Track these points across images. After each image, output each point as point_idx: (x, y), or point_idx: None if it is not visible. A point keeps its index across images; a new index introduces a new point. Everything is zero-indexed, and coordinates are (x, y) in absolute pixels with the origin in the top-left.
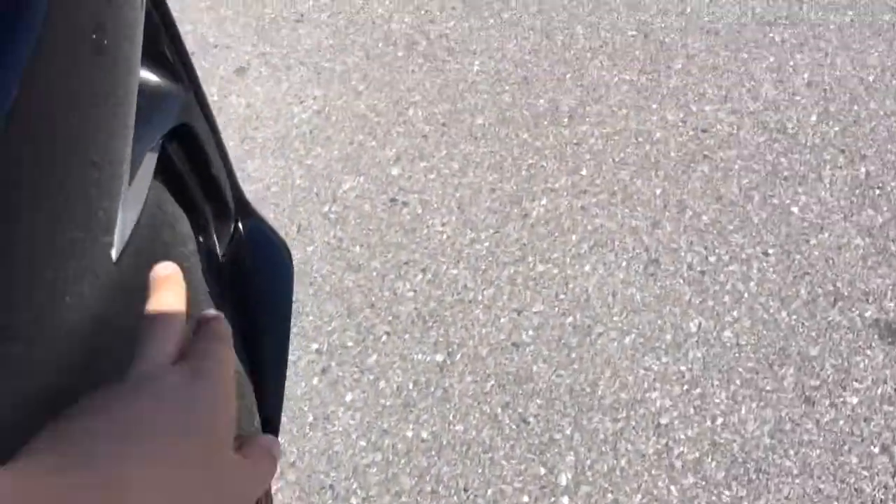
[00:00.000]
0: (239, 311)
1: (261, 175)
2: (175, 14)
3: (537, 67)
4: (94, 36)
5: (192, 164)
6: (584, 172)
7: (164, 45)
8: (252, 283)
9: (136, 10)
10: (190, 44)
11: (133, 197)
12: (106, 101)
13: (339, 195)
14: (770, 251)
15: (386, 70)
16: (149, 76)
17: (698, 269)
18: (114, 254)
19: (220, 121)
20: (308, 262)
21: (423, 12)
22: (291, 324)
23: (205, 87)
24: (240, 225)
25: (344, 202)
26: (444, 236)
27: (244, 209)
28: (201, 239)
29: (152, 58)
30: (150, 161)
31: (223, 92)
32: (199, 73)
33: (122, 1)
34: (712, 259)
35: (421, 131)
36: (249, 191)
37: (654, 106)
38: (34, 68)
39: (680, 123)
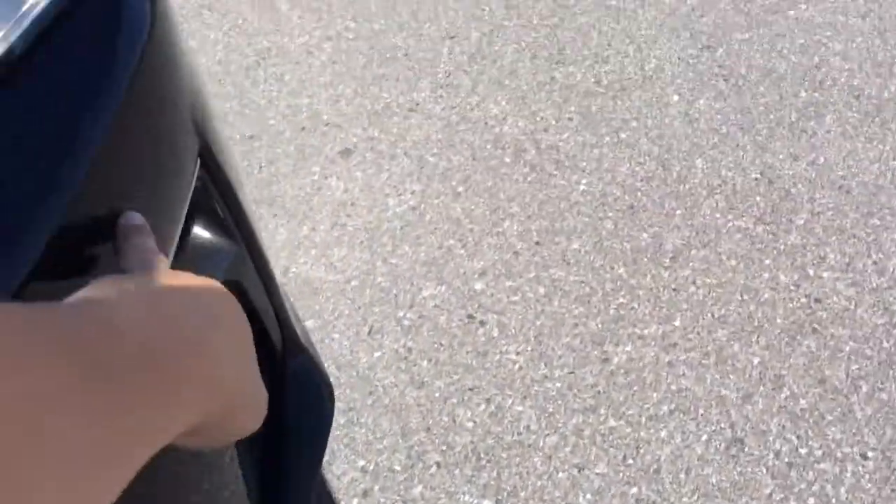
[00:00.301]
0: (267, 454)
1: (344, 266)
2: (294, 86)
3: (646, 197)
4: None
5: None
6: (677, 323)
7: (216, 204)
8: (285, 429)
9: (177, 190)
10: (302, 118)
11: None
12: None
13: (418, 301)
14: (869, 455)
15: (489, 175)
16: (197, 232)
17: (786, 459)
18: None
19: (316, 202)
20: (373, 369)
21: (538, 119)
22: (343, 433)
23: (308, 166)
24: (286, 364)
25: (421, 310)
26: (517, 367)
27: (294, 347)
28: None
29: (202, 214)
30: None
31: (324, 172)
32: (307, 149)
33: (157, 185)
34: (803, 451)
35: (513, 247)
36: (330, 281)
37: (768, 262)
38: (49, 254)
39: (792, 287)
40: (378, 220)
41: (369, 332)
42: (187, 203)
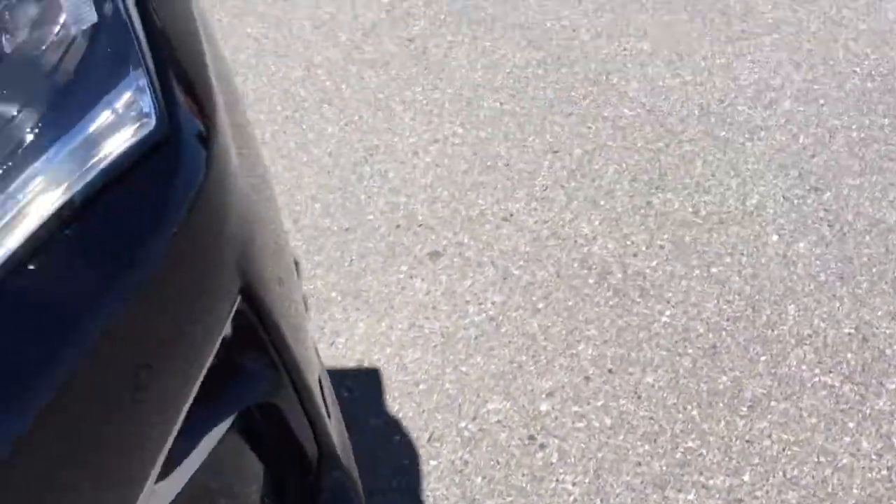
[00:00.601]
0: None
1: (414, 369)
2: (396, 184)
3: (731, 339)
4: (137, 376)
5: (277, 432)
6: (746, 478)
7: (259, 332)
8: None
9: (209, 324)
10: (398, 216)
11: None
12: (132, 442)
13: (481, 414)
14: None
15: (571, 294)
16: (237, 359)
17: None
18: None
19: (398, 301)
20: (426, 479)
21: (628, 242)
22: None
23: (396, 264)
24: (321, 479)
25: (482, 423)
26: (571, 498)
27: (330, 462)
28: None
29: (242, 342)
30: (214, 435)
31: (410, 272)
32: (398, 248)
33: (190, 321)
34: None
35: (584, 371)
36: (399, 381)
37: (851, 425)
38: (56, 402)
39: (874, 456)
40: (455, 327)
41: (429, 440)
42: (219, 335)
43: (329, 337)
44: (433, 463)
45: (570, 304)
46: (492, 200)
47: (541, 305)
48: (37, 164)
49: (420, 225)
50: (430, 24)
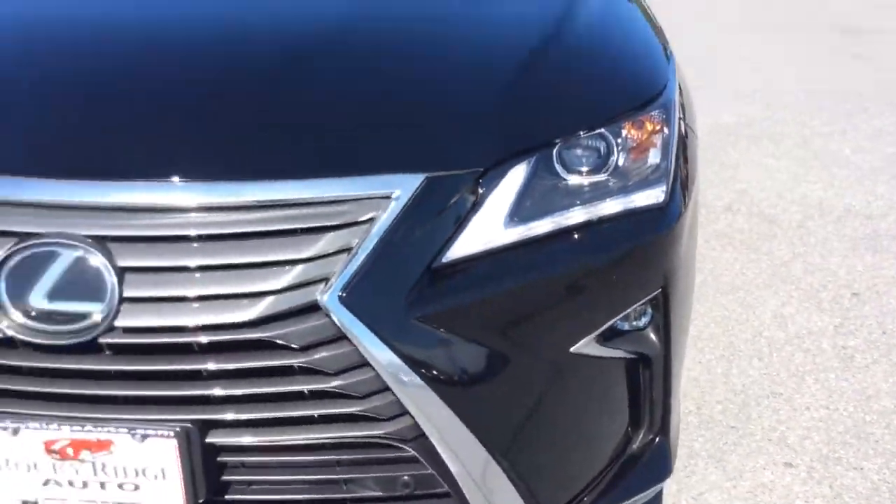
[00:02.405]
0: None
1: None
2: (783, 418)
3: None
4: (602, 287)
5: (643, 388)
6: None
7: (657, 319)
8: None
9: (638, 291)
10: (774, 435)
11: None
12: (594, 313)
13: None
14: None
15: None
16: (641, 329)
17: None
18: None
19: (745, 479)
20: None
21: None
22: None
23: (755, 457)
24: (655, 438)
25: None
26: None
27: (665, 430)
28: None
29: (650, 320)
30: (617, 353)
31: (764, 467)
32: (763, 448)
33: (631, 283)
34: None
35: None
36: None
37: None
38: None
39: None
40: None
41: None
42: (642, 296)
43: (682, 468)
44: None
45: None
46: (854, 463)
47: None
48: (606, 201)
49: (787, 444)
50: (866, 344)
